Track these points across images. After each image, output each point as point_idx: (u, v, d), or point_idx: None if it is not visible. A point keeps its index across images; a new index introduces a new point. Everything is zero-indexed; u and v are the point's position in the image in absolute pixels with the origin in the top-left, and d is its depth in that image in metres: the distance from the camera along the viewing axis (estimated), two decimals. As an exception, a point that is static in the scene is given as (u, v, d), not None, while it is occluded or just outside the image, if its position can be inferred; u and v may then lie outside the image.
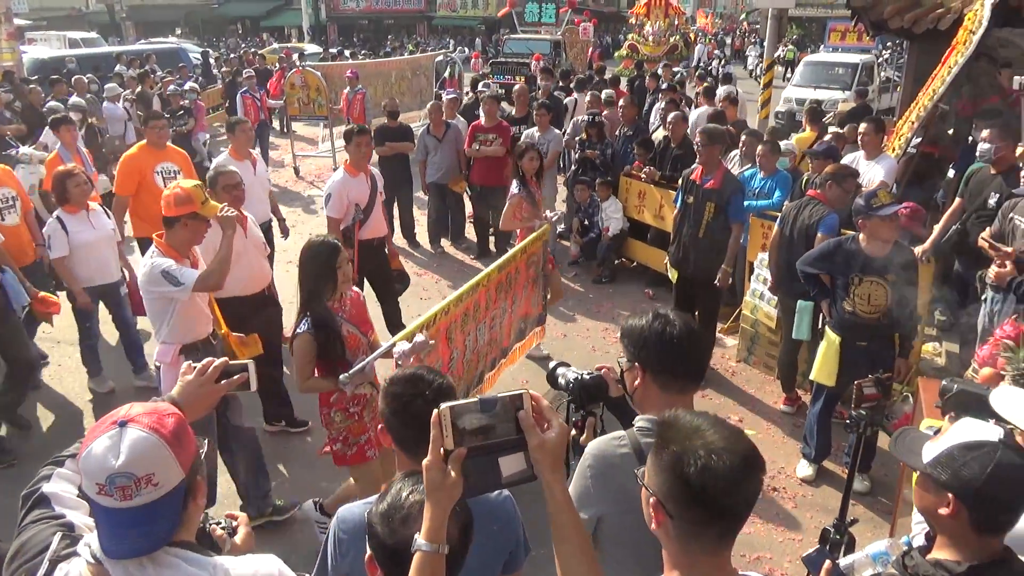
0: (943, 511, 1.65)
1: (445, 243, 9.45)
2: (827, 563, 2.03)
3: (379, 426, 2.08)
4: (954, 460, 1.64)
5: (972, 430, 1.68)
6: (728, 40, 43.39)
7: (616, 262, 8.47)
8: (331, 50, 26.13)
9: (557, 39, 20.99)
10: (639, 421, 2.04)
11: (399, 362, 3.58)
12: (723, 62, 28.11)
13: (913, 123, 6.84)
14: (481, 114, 8.80)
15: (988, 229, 4.81)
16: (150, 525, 1.48)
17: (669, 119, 7.79)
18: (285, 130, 15.72)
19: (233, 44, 34.63)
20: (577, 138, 8.82)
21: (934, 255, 6.06)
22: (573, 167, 8.91)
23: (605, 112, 9.38)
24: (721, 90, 12.41)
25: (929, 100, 6.69)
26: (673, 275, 6.18)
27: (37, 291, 5.35)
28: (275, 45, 29.00)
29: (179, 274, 3.69)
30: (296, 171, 13.11)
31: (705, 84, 11.26)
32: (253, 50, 25.97)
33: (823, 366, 4.65)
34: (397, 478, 1.71)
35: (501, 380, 5.54)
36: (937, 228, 5.88)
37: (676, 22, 23.54)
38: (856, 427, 2.51)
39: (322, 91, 12.46)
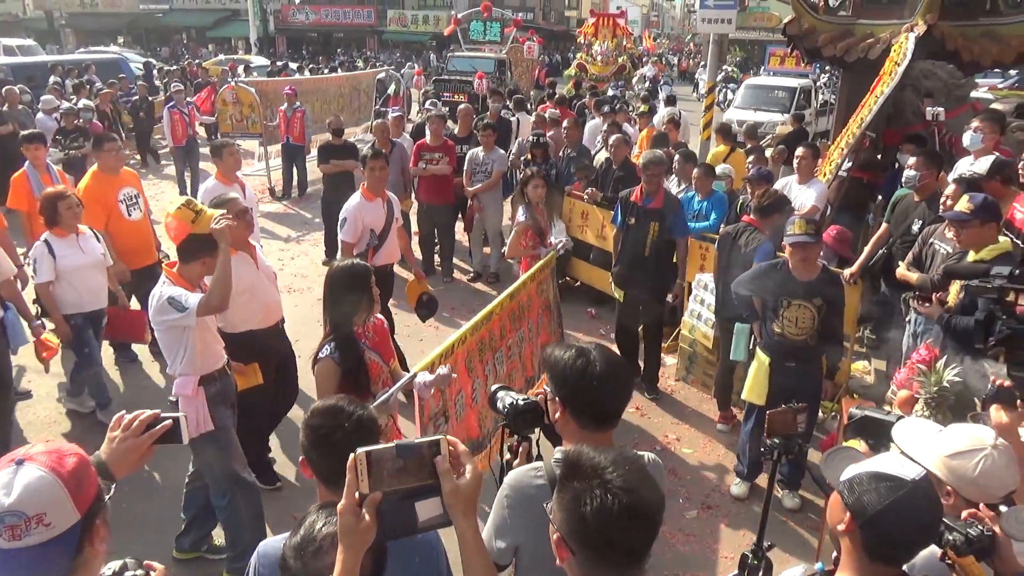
0: (840, 527, 1.72)
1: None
2: None
3: (300, 458, 2.07)
4: (862, 484, 1.70)
5: (893, 463, 1.73)
6: (676, 61, 44.37)
7: (560, 281, 8.54)
8: (277, 63, 25.82)
9: (502, 58, 21.06)
10: (557, 453, 2.07)
11: (420, 394, 3.57)
12: (670, 82, 28.62)
13: (843, 149, 7.10)
14: (427, 133, 8.82)
15: (906, 258, 5.02)
16: (40, 569, 1.43)
17: (611, 141, 7.92)
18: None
19: (167, 54, 33.55)
20: (522, 158, 8.89)
21: (862, 277, 6.29)
22: (518, 187, 8.97)
23: (550, 132, 9.50)
24: (664, 112, 12.71)
25: (858, 127, 6.96)
26: (619, 295, 6.29)
27: (42, 328, 5.18)
28: (221, 57, 28.55)
29: (183, 299, 3.57)
30: (271, 191, 12.73)
31: (646, 106, 11.45)
32: (197, 61, 25.49)
33: (754, 386, 4.78)
34: (312, 509, 1.71)
35: None
36: (865, 252, 6.10)
37: (624, 43, 24.00)
38: (770, 455, 2.58)
39: (256, 108, 12.18)
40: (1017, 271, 2.02)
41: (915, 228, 5.55)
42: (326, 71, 24.61)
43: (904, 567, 1.76)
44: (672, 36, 68.22)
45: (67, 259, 5.11)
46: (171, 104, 11.79)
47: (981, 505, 1.92)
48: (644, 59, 29.84)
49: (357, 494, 1.37)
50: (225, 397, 4.00)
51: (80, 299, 5.24)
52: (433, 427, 4.02)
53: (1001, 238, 4.22)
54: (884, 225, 6.11)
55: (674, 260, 6.15)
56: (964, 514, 1.90)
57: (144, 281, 5.43)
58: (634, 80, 22.61)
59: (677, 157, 7.56)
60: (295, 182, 12.57)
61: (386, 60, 34.03)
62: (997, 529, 1.81)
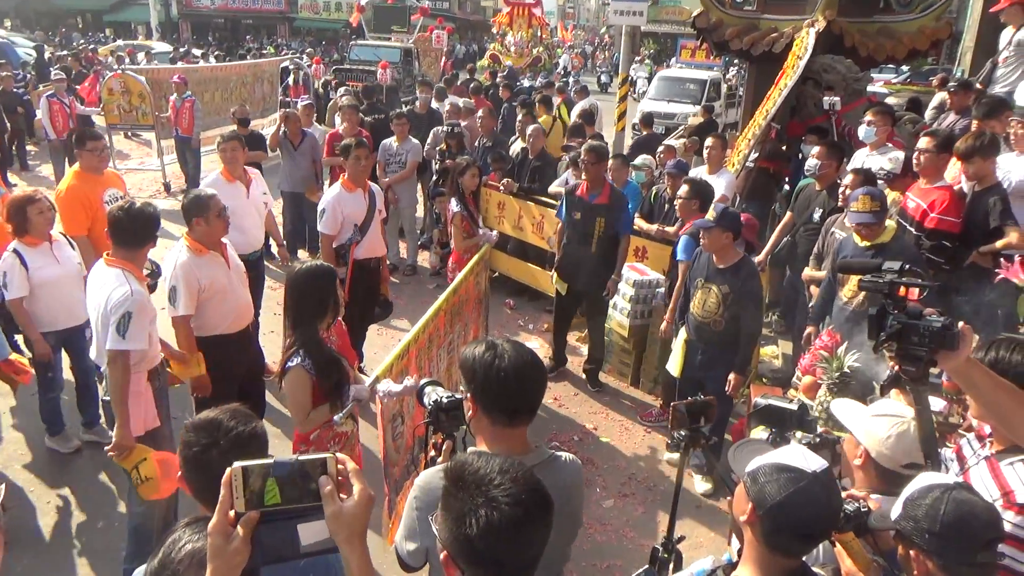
0: (742, 517, 1.74)
1: (303, 253, 9.15)
2: None
3: (178, 473, 1.95)
4: (764, 475, 1.72)
5: (796, 455, 1.75)
6: (591, 52, 44.84)
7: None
8: (180, 50, 24.67)
9: (408, 47, 20.62)
10: (469, 453, 2.03)
11: (383, 400, 3.44)
12: (610, 71, 28.74)
13: (750, 140, 7.29)
14: (338, 121, 8.60)
15: (812, 254, 5.21)
16: None
17: (528, 132, 7.91)
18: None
19: (48, 38, 31.28)
20: (437, 148, 8.79)
21: (770, 265, 6.50)
22: (434, 177, 8.87)
23: (465, 122, 9.41)
24: (578, 106, 12.80)
25: (763, 119, 7.16)
26: (563, 287, 6.30)
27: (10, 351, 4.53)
28: (120, 43, 27.03)
29: (125, 329, 3.47)
30: (167, 187, 12.04)
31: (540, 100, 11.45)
32: (92, 46, 24.09)
33: (674, 358, 5.06)
34: (179, 525, 1.60)
35: None
36: (771, 240, 6.29)
37: (540, 33, 24.05)
38: (677, 447, 2.62)
39: (146, 98, 11.45)
40: (907, 265, 2.07)
41: (816, 216, 5.76)
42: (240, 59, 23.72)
43: (804, 559, 1.80)
44: (588, 28, 68.87)
45: (41, 271, 4.55)
46: (51, 93, 11.01)
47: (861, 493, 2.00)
48: (560, 50, 29.98)
49: (232, 513, 1.24)
50: (164, 392, 3.88)
51: (55, 316, 4.69)
52: (392, 428, 3.94)
53: (889, 222, 4.45)
54: (788, 214, 6.32)
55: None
56: (844, 494, 1.96)
57: None
58: (555, 72, 22.67)
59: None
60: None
61: (298, 48, 33.07)
62: (872, 505, 1.87)
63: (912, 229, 4.79)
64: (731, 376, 4.71)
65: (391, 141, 8.38)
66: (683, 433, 2.49)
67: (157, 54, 21.30)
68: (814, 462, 1.71)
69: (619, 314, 6.38)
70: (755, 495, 1.72)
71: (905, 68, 21.38)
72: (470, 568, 1.40)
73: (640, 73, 24.55)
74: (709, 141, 6.98)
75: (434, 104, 10.82)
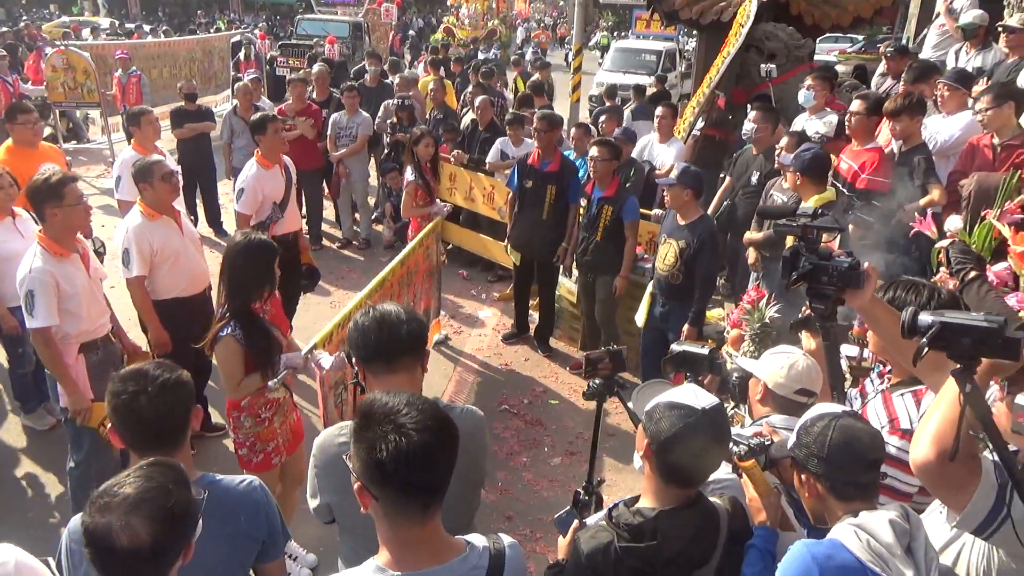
0: (640, 452, 1.86)
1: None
2: (575, 523, 2.21)
3: (108, 426, 2.00)
4: (659, 412, 1.84)
5: (688, 394, 1.87)
6: (552, 25, 44.56)
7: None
8: (127, 25, 24.01)
9: (358, 21, 20.25)
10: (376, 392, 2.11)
11: (318, 370, 3.53)
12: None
13: (695, 108, 7.41)
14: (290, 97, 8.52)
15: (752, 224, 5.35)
16: None
17: (476, 103, 7.94)
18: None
19: (2, 15, 30.29)
20: (388, 121, 8.77)
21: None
22: (385, 151, 8.86)
23: (412, 92, 9.39)
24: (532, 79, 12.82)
25: (707, 87, 7.27)
26: (516, 257, 6.37)
27: None
28: (65, 19, 26.19)
29: (33, 305, 3.48)
30: (67, 165, 11.78)
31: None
32: (37, 23, 23.35)
33: (641, 310, 5.31)
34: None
35: None
36: (712, 204, 6.43)
37: (495, 5, 23.85)
38: (593, 397, 2.74)
39: (91, 74, 11.07)
40: (820, 210, 2.20)
41: (754, 180, 5.90)
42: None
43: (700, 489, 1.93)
44: (547, 1, 68.31)
45: (4, 246, 4.48)
46: (-9, 72, 10.72)
47: (765, 425, 2.13)
48: (517, 23, 29.76)
49: None
50: (107, 367, 3.82)
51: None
52: (334, 396, 3.98)
53: (828, 189, 4.61)
54: (727, 179, 6.46)
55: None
56: (751, 432, 2.09)
57: None
58: (513, 46, 22.57)
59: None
60: None
61: (252, 23, 32.39)
62: (776, 439, 1.99)
63: (844, 190, 4.95)
64: (685, 327, 4.90)
65: (341, 115, 8.34)
66: (597, 381, 2.61)
67: (104, 30, 20.72)
68: (704, 399, 1.83)
69: (568, 280, 6.49)
70: (651, 431, 1.84)
71: (860, 38, 21.72)
72: (382, 492, 1.48)
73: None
74: (659, 110, 7.09)
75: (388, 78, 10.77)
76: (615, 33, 34.35)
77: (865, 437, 1.79)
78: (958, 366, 1.51)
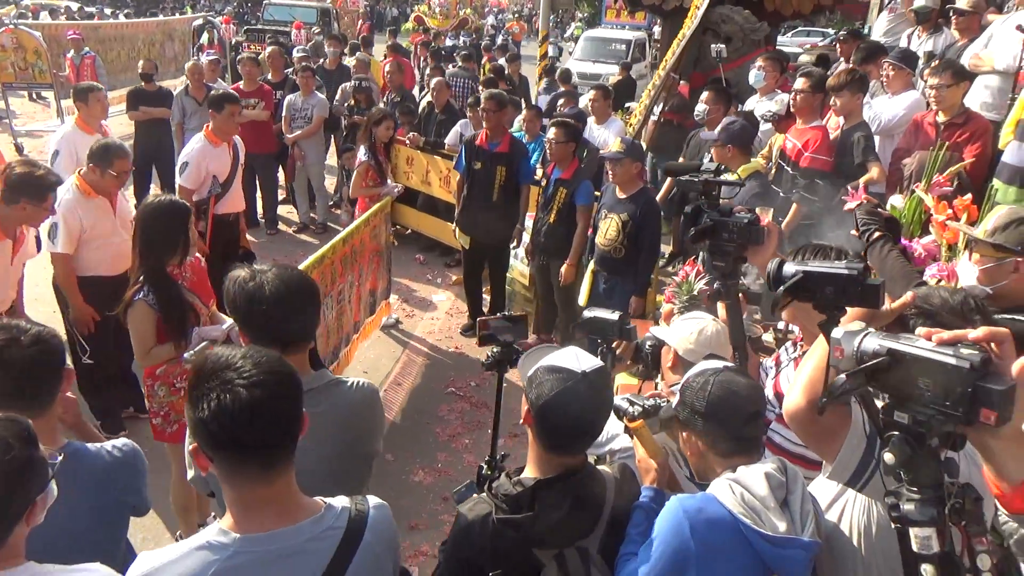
0: (521, 420, 1.81)
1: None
2: (474, 495, 2.15)
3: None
4: (538, 377, 1.78)
5: (569, 357, 1.80)
6: (529, 16, 44.35)
7: (392, 228, 8.44)
8: (88, 8, 23.51)
9: (326, 7, 19.99)
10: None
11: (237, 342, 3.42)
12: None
13: (650, 92, 7.37)
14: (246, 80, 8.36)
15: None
16: None
17: (432, 84, 7.85)
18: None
19: None
20: (346, 104, 8.64)
21: (670, 213, 6.64)
22: (343, 133, 8.74)
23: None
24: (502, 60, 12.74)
25: (663, 69, 7.24)
26: (466, 241, 6.26)
27: None
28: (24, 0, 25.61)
29: None
30: (19, 148, 11.04)
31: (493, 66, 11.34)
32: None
33: (583, 289, 5.30)
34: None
35: (364, 352, 5.71)
36: (664, 186, 6.41)
37: (470, -6, 23.67)
38: (492, 367, 2.69)
39: (42, 54, 10.91)
40: (721, 166, 2.16)
41: (707, 161, 5.87)
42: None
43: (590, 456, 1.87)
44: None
45: None
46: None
47: (664, 387, 2.07)
48: (487, 12, 29.57)
49: None
50: None
51: None
52: None
53: (755, 159, 4.60)
54: (680, 160, 6.43)
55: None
56: (648, 393, 2.04)
57: None
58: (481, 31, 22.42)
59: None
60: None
61: (220, 9, 31.89)
62: (673, 402, 1.94)
63: (789, 169, 4.94)
64: (632, 300, 4.88)
65: (296, 96, 8.21)
66: (495, 350, 2.57)
67: (63, 13, 20.26)
68: (586, 362, 1.77)
69: (519, 263, 6.43)
70: (531, 397, 1.78)
71: (831, 32, 21.84)
72: (214, 453, 1.40)
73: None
74: (591, 93, 7.05)
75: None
76: (591, 24, 34.29)
77: (744, 390, 1.75)
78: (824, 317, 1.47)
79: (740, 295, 2.21)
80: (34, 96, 14.51)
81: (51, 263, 4.26)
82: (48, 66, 11.07)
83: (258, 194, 8.53)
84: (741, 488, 1.59)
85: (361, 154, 6.34)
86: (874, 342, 1.17)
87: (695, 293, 3.34)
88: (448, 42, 17.41)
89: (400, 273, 7.57)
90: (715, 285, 2.63)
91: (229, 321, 3.52)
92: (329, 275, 4.93)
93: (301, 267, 4.47)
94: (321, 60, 10.20)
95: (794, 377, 1.62)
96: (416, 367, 5.94)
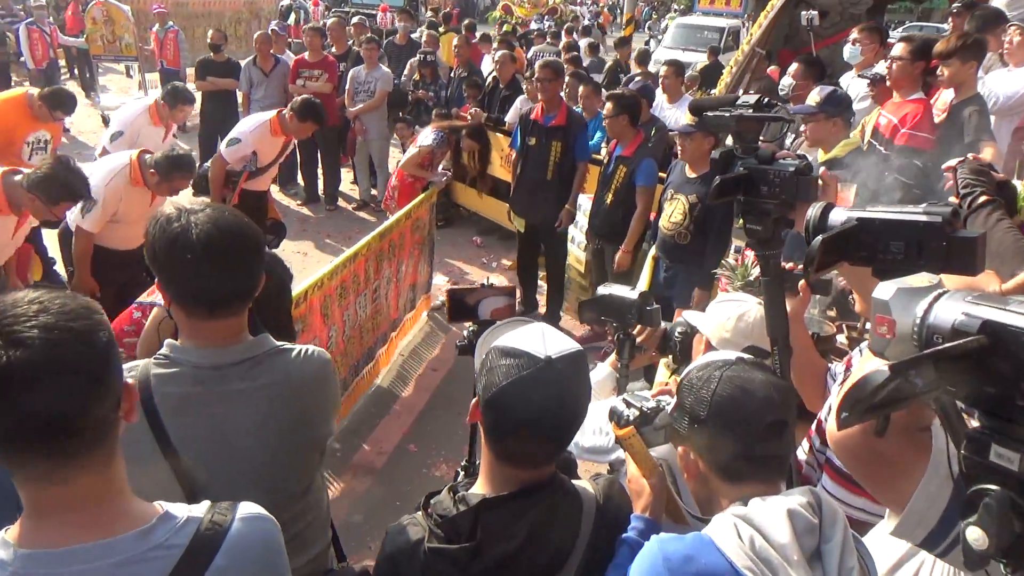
0: (469, 417, 1.37)
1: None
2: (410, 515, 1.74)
3: None
4: (491, 362, 1.34)
5: (533, 337, 1.35)
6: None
7: (452, 209, 8.11)
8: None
9: None
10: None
11: None
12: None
13: (732, 68, 6.75)
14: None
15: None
16: None
17: (496, 57, 7.44)
18: (84, 72, 12.91)
19: None
20: (412, 79, 8.35)
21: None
22: (409, 109, 8.44)
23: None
24: (583, 42, 12.23)
25: (747, 44, 6.61)
26: (520, 224, 5.84)
27: None
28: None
29: None
30: (105, 120, 11.05)
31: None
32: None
33: (643, 277, 4.81)
34: None
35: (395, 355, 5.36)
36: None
37: (563, -18, 23.06)
38: (468, 351, 2.27)
39: (129, 28, 11.04)
40: (766, 99, 1.65)
41: (788, 142, 5.24)
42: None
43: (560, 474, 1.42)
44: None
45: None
46: (30, 21, 10.66)
47: (672, 382, 1.58)
48: (579, 1, 28.86)
49: None
50: None
51: None
52: None
53: (853, 134, 3.99)
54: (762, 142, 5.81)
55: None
56: (655, 390, 1.57)
57: None
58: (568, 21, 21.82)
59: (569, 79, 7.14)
60: None
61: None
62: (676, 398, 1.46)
63: (882, 148, 4.28)
64: (695, 291, 4.35)
65: (360, 69, 7.94)
66: (471, 328, 2.14)
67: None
68: (555, 344, 1.31)
69: (576, 248, 5.95)
70: (479, 386, 1.34)
71: (945, 27, 20.23)
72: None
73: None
74: (662, 70, 6.48)
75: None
76: (686, 16, 33.14)
77: (761, 390, 1.25)
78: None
79: (783, 271, 1.70)
80: (130, 73, 14.90)
81: (75, 233, 4.12)
82: (135, 39, 11.24)
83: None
84: (751, 530, 1.10)
85: (428, 138, 6.01)
86: (957, 309, 0.67)
87: (751, 279, 2.81)
88: (533, 25, 16.96)
89: (455, 255, 7.24)
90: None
91: None
92: (363, 273, 4.63)
93: (328, 268, 4.17)
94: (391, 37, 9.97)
95: (845, 387, 1.12)
96: (455, 353, 5.55)
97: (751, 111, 1.64)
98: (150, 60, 11.40)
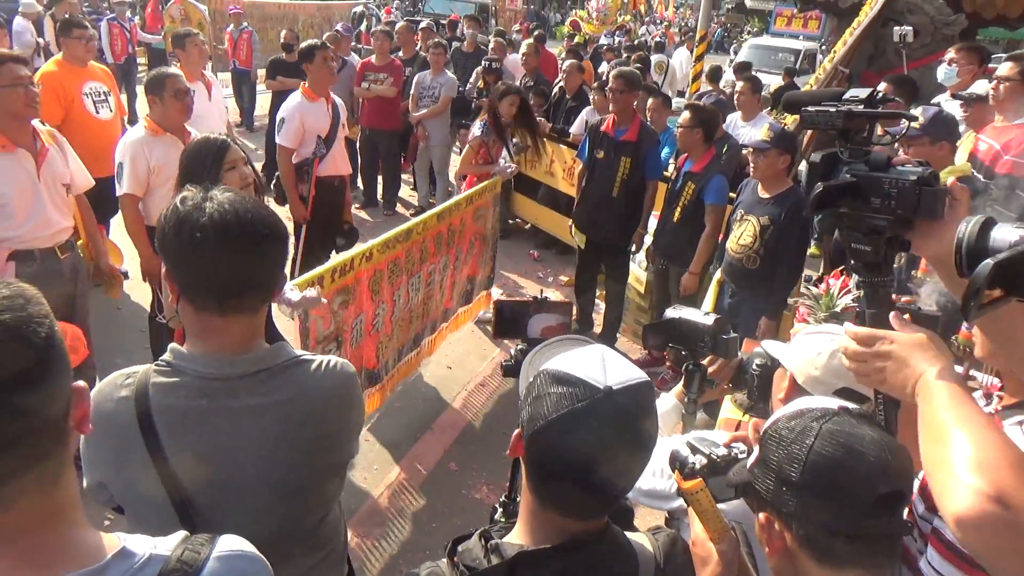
0: (510, 452, 1.15)
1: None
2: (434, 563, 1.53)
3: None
4: (539, 387, 1.12)
5: (592, 362, 1.13)
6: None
7: (510, 222, 7.94)
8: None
9: (485, 2, 20.04)
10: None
11: (282, 311, 3.07)
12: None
13: (812, 86, 6.41)
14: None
15: None
16: None
17: (564, 67, 7.25)
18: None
19: None
20: (476, 86, 8.21)
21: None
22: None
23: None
24: (654, 58, 11.98)
25: (830, 62, 6.27)
26: (581, 240, 5.61)
27: None
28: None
29: None
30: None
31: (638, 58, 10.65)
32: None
33: (706, 301, 4.52)
34: None
35: (442, 347, 5.19)
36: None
37: (633, 1, 22.77)
38: (512, 372, 2.02)
39: (205, 27, 11.23)
40: (878, 92, 1.38)
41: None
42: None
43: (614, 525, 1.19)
44: (694, 6, 66.21)
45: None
46: (111, 16, 10.97)
47: (752, 427, 1.31)
48: (648, 21, 28.45)
49: None
50: (48, 286, 3.42)
51: None
52: (322, 351, 3.49)
53: (961, 161, 3.66)
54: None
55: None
56: (729, 437, 1.32)
57: (105, 195, 4.24)
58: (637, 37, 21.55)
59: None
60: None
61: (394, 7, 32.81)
62: (756, 450, 1.20)
63: (981, 177, 3.93)
64: (761, 321, 4.09)
65: (426, 74, 7.86)
66: (519, 347, 1.89)
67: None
68: (617, 373, 1.09)
69: (636, 267, 5.69)
70: (524, 417, 1.12)
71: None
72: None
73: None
74: (739, 85, 6.16)
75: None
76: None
77: (873, 451, 1.00)
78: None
79: (894, 304, 1.43)
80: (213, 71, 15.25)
81: (120, 207, 3.98)
82: (209, 38, 11.43)
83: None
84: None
85: (475, 129, 5.85)
86: None
87: (837, 310, 2.53)
88: (602, 40, 16.76)
89: (510, 267, 7.04)
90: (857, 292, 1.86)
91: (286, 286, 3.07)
92: (417, 253, 4.45)
93: (378, 240, 4.01)
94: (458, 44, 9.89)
95: (957, 448, 0.87)
96: (504, 370, 5.34)
97: (862, 106, 1.37)
98: (223, 59, 11.60)
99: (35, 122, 3.47)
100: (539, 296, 1.95)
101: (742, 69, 9.05)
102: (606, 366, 1.10)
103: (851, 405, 1.11)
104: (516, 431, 1.15)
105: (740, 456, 1.24)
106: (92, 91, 5.27)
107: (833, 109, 1.35)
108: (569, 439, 1.04)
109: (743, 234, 4.15)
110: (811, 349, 1.64)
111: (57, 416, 0.86)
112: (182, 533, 0.98)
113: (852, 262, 1.40)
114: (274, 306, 2.91)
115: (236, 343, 1.40)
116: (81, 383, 0.90)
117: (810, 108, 1.40)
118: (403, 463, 4.17)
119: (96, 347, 4.29)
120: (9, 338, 0.81)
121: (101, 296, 4.29)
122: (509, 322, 1.87)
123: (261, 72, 11.51)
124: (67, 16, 6.24)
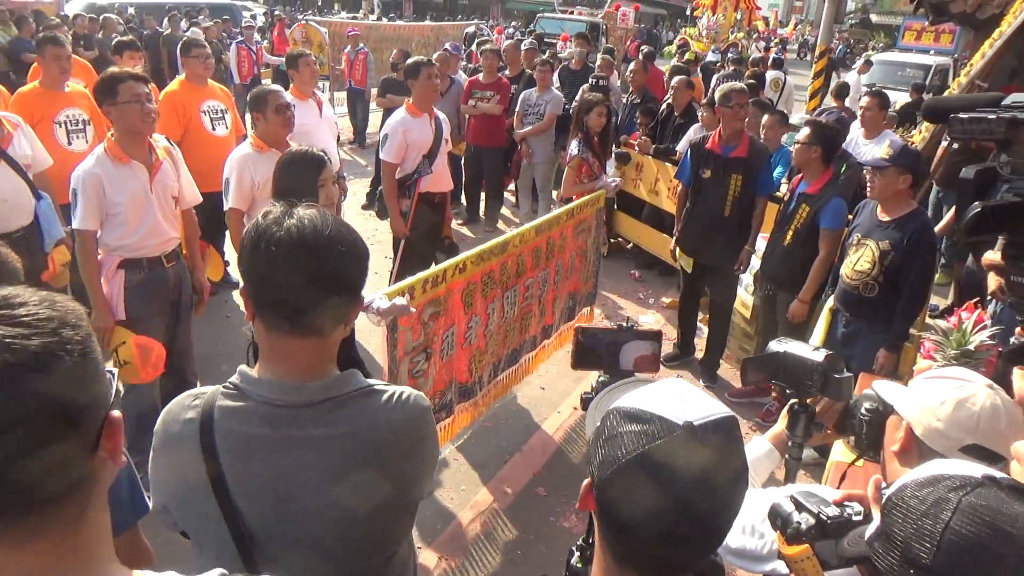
0: (579, 503, 1.03)
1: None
2: None
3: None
4: (611, 426, 0.99)
5: (668, 398, 1.00)
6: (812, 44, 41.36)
7: (611, 240, 7.77)
8: (358, 15, 25.59)
9: (596, 21, 19.97)
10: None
11: (369, 319, 3.10)
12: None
13: (944, 102, 5.94)
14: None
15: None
16: None
17: (672, 84, 7.04)
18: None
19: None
20: (583, 106, 8.11)
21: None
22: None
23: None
24: (769, 75, 11.55)
25: (965, 76, 5.80)
26: (688, 264, 5.37)
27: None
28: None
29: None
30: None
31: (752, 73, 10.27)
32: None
33: (817, 331, 4.24)
34: None
35: (545, 365, 5.13)
36: (947, 217, 5.03)
37: (743, 19, 22.09)
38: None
39: (324, 49, 11.78)
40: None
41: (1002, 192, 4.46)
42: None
43: None
44: (814, 23, 63.95)
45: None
46: (240, 39, 11.62)
47: (872, 485, 1.12)
48: (759, 38, 27.50)
49: None
50: (153, 293, 3.56)
51: None
52: (410, 362, 3.48)
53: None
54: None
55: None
56: (840, 495, 1.14)
57: (215, 212, 4.41)
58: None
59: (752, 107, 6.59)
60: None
61: (506, 27, 33.44)
62: (876, 515, 1.02)
63: None
64: (880, 353, 3.79)
65: (532, 91, 7.84)
66: (601, 378, 1.73)
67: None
68: (697, 408, 0.95)
69: (743, 290, 5.41)
70: (594, 463, 1.00)
71: None
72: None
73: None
74: (864, 100, 5.76)
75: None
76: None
77: (1020, 534, 0.81)
78: None
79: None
80: (321, 90, 15.94)
81: (226, 221, 4.10)
82: (328, 60, 11.93)
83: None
84: None
85: (572, 148, 5.74)
86: None
87: (971, 348, 2.25)
88: (711, 56, 16.35)
89: (610, 287, 6.87)
90: (1014, 339, 1.64)
91: (368, 297, 3.05)
92: (514, 266, 4.35)
93: (473, 252, 3.95)
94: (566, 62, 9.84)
95: None
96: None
97: None
98: (340, 79, 12.04)
99: (155, 136, 3.65)
100: (624, 324, 1.79)
101: (915, 108, 8.54)
102: (684, 400, 0.97)
103: (998, 474, 0.92)
104: (586, 481, 1.03)
105: (855, 519, 1.07)
106: (210, 109, 5.54)
107: (993, 116, 1.17)
108: (646, 483, 0.92)
109: (860, 259, 3.86)
110: (934, 396, 1.42)
111: (83, 449, 0.80)
112: (218, 571, 0.91)
113: (1010, 295, 1.21)
114: (359, 329, 2.89)
115: (304, 368, 1.33)
116: (116, 413, 0.85)
117: (962, 115, 1.21)
118: (490, 485, 4.08)
119: (203, 353, 4.47)
120: (32, 364, 0.75)
121: (212, 304, 4.45)
122: (589, 352, 1.72)
123: (375, 91, 11.94)
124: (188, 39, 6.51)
